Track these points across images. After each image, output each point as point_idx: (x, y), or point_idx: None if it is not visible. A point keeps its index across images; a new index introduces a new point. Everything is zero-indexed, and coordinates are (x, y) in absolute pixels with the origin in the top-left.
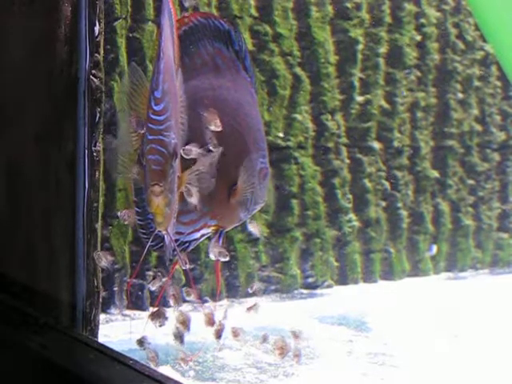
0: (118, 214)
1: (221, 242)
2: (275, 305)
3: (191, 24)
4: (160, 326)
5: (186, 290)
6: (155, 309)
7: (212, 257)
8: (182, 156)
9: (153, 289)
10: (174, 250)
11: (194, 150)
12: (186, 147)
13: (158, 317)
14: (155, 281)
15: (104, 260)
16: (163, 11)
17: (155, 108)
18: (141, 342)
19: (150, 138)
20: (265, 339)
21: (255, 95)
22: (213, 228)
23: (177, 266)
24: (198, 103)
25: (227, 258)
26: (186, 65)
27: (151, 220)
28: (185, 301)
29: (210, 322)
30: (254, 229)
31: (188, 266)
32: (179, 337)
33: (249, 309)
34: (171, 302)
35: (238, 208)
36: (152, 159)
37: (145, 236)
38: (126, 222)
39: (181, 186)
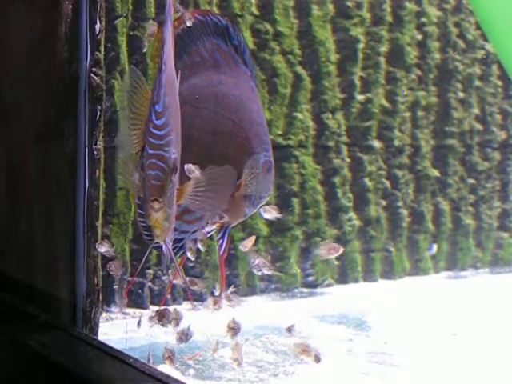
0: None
1: (226, 238)
2: (275, 304)
3: None
4: (163, 325)
5: (189, 279)
6: (160, 308)
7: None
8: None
9: (138, 328)
10: (172, 261)
11: (195, 170)
12: (188, 166)
13: (162, 317)
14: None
15: (104, 246)
16: (166, 21)
17: (156, 122)
18: (289, 330)
19: (150, 152)
20: (290, 330)
21: (256, 89)
22: (218, 224)
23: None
24: (198, 101)
25: (271, 271)
26: (185, 63)
27: None
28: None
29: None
30: (270, 214)
31: (186, 280)
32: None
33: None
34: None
35: (242, 203)
36: (152, 174)
37: (148, 237)
38: (112, 273)
39: (180, 198)
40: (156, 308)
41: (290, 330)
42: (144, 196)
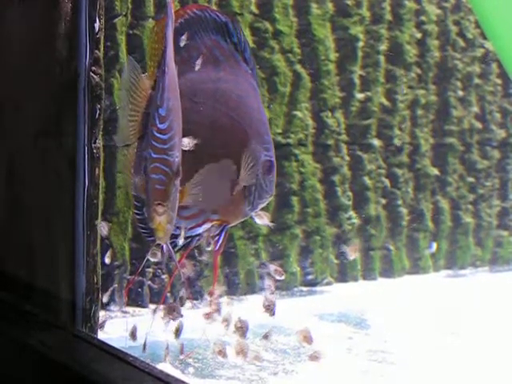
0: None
1: (222, 237)
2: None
3: (187, 16)
4: (173, 319)
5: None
6: (169, 304)
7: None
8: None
9: (134, 341)
10: (172, 258)
11: (190, 143)
12: (183, 139)
13: (172, 310)
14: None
15: (105, 229)
16: (167, 22)
17: (160, 126)
18: (266, 336)
19: (153, 156)
20: (267, 337)
21: (257, 87)
22: (215, 223)
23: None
24: (196, 96)
25: (283, 277)
26: (183, 58)
27: None
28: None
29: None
30: (262, 220)
31: (186, 273)
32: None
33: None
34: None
35: (241, 202)
36: (155, 178)
37: (144, 230)
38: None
39: (183, 199)
40: (154, 306)
41: (266, 336)
42: (147, 199)
